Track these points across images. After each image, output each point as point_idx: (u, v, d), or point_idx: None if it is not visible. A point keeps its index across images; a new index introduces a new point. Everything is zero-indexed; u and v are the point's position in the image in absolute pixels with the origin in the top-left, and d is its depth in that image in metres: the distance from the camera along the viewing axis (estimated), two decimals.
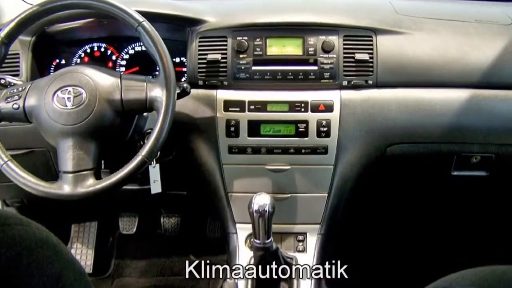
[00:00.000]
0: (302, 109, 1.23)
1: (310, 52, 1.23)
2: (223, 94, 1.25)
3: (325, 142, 1.24)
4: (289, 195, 1.28)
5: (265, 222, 1.04)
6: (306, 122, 1.23)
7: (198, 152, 1.26)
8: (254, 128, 1.23)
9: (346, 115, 1.23)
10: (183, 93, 1.14)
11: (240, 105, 1.23)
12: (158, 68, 1.07)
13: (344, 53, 1.23)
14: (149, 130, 1.20)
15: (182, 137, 1.25)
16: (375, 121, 1.23)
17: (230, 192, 1.28)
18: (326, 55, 1.23)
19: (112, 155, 1.17)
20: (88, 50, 1.37)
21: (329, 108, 1.23)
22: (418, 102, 1.22)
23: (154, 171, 1.23)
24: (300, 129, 1.23)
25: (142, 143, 1.20)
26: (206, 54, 1.24)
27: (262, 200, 1.05)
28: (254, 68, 1.24)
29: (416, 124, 1.22)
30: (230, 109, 1.24)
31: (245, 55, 1.24)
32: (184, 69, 1.32)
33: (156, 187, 1.24)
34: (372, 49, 1.23)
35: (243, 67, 1.24)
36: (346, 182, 1.26)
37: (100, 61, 1.35)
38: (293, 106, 1.23)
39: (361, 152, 1.24)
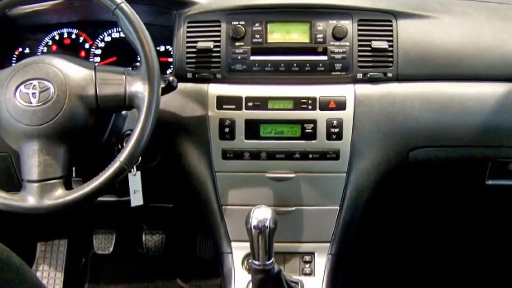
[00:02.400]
0: (309, 107, 1.24)
1: (318, 40, 1.25)
2: (216, 89, 1.27)
3: (336, 146, 1.24)
4: (293, 208, 1.29)
5: (265, 240, 1.04)
6: (314, 122, 1.24)
7: (186, 158, 1.27)
8: (253, 129, 1.24)
9: (361, 114, 1.24)
10: (169, 88, 1.15)
11: (236, 102, 1.25)
12: (139, 59, 1.08)
13: (359, 40, 1.24)
14: (129, 132, 1.21)
15: (168, 140, 1.26)
16: (396, 120, 1.24)
17: (224, 205, 1.29)
18: (337, 43, 1.24)
19: (85, 161, 1.18)
20: (57, 37, 1.38)
21: (341, 105, 1.24)
22: (446, 98, 1.23)
23: (135, 180, 1.24)
24: (307, 130, 1.25)
25: (120, 146, 1.21)
26: (196, 42, 1.25)
27: (262, 214, 1.04)
28: (252, 58, 1.25)
29: (444, 124, 1.23)
30: (224, 106, 1.25)
31: (241, 43, 1.25)
32: (170, 60, 1.35)
33: (136, 198, 1.25)
34: (391, 35, 1.24)
35: (239, 57, 1.25)
36: (361, 193, 1.27)
37: (70, 50, 1.36)
38: (299, 103, 1.24)
39: (378, 157, 1.26)
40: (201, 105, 1.26)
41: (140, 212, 1.30)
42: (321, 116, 1.25)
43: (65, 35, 1.38)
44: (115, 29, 1.38)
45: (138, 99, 1.05)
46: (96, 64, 1.22)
